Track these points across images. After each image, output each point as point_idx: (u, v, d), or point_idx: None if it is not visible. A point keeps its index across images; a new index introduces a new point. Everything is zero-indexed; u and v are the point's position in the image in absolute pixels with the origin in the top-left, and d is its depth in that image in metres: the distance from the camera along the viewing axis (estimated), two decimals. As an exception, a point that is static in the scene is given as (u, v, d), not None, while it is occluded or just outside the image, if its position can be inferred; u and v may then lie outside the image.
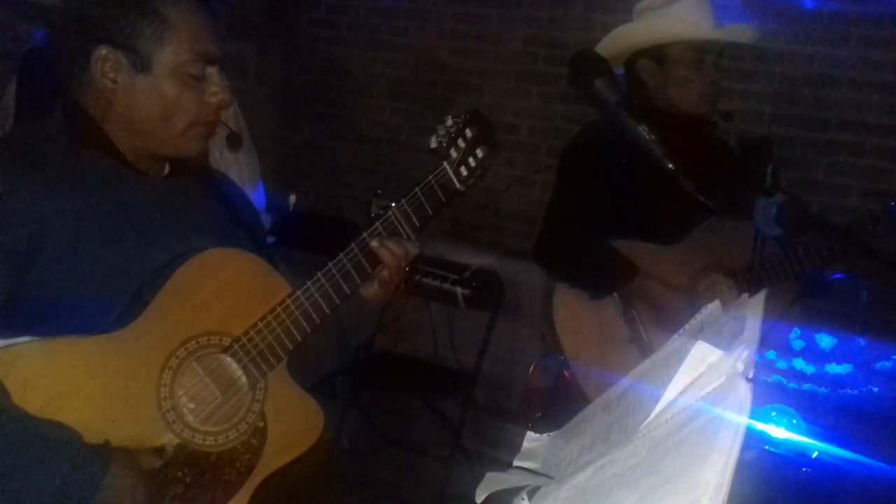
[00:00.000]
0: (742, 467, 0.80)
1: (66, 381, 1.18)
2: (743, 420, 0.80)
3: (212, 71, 1.35)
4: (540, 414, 2.63)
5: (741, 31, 2.21)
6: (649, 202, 2.12)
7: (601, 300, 2.13)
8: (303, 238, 3.54)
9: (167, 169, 1.42)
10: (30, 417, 1.14)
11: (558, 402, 2.32)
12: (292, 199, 4.33)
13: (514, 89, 3.91)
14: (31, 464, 1.11)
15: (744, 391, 0.84)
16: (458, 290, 3.48)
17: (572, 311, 2.14)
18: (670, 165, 1.41)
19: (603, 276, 2.12)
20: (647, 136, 1.43)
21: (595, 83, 1.48)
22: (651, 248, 2.16)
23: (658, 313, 2.09)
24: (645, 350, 2.06)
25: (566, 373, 2.17)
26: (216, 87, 1.35)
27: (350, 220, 3.95)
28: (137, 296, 1.25)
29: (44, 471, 1.12)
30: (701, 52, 2.17)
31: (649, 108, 2.14)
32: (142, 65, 1.29)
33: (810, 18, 3.27)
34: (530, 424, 2.20)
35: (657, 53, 2.19)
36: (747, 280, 2.13)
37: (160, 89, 1.30)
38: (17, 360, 1.16)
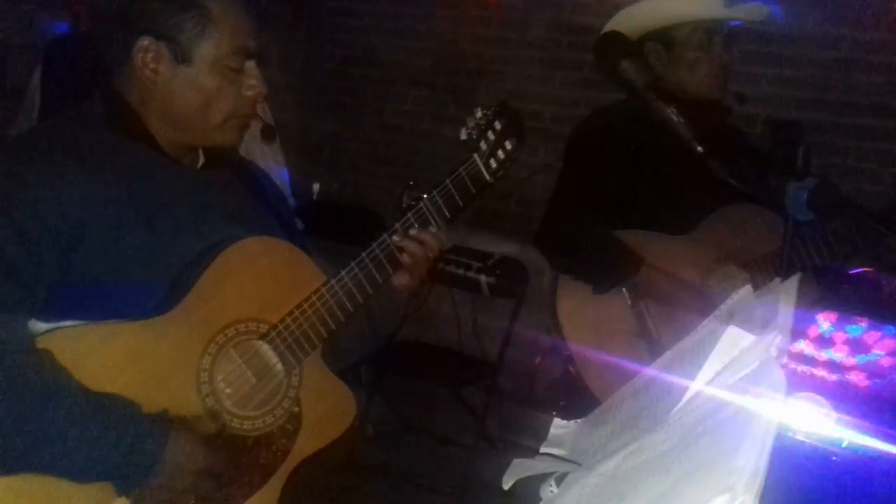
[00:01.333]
0: (772, 455, 0.79)
1: (110, 364, 1.20)
2: (778, 405, 0.78)
3: (250, 65, 1.37)
4: (564, 403, 2.61)
5: (752, 11, 2.11)
6: (662, 189, 2.07)
7: (607, 293, 2.06)
8: (326, 226, 3.55)
9: (202, 159, 1.44)
10: (91, 392, 1.17)
11: (568, 395, 2.28)
12: (316, 187, 4.34)
13: (538, 76, 3.88)
14: (97, 436, 1.15)
15: (778, 376, 0.82)
16: (483, 277, 3.47)
17: (577, 302, 2.08)
18: (700, 149, 1.38)
19: (606, 268, 2.05)
20: (677, 119, 1.40)
21: (622, 65, 1.46)
22: (660, 239, 2.09)
23: (667, 307, 2.03)
24: (654, 345, 1.99)
25: (571, 367, 2.11)
26: (254, 80, 1.37)
27: (372, 209, 3.95)
28: (177, 283, 1.27)
29: (109, 442, 1.15)
30: (710, 34, 2.09)
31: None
32: (183, 56, 1.31)
33: (839, 0, 3.20)
34: (554, 413, 2.17)
35: (664, 36, 2.12)
36: (761, 271, 2.07)
37: (200, 81, 1.32)
38: (62, 344, 1.19)
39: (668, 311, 2.02)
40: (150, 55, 1.30)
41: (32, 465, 1.13)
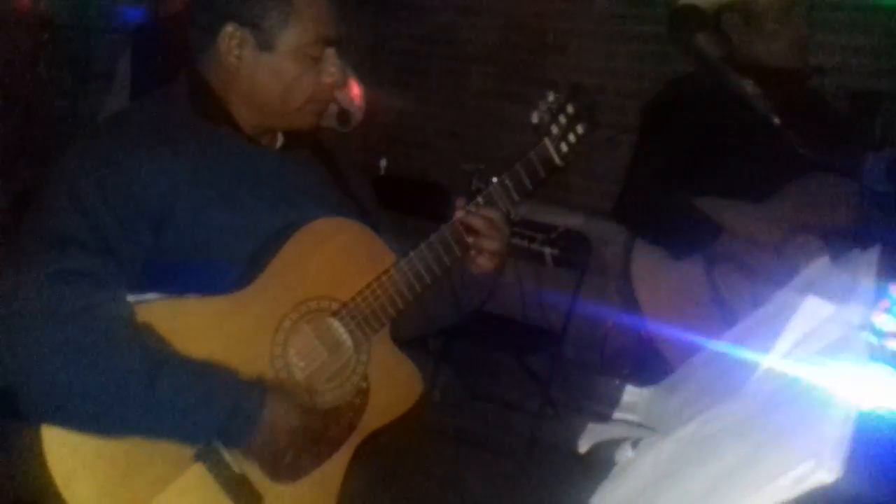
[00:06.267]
0: (856, 424, 0.77)
1: (189, 337, 1.23)
2: (862, 374, 0.77)
3: (330, 52, 1.36)
4: (627, 371, 2.59)
5: None
6: (739, 159, 2.03)
7: (682, 259, 2.04)
8: (393, 201, 3.58)
9: (280, 140, 1.45)
10: (190, 361, 1.21)
11: (640, 361, 2.27)
12: (383, 163, 4.37)
13: (602, 49, 3.80)
14: (203, 400, 1.19)
15: (862, 345, 0.81)
16: (546, 250, 3.46)
17: (651, 269, 2.07)
18: (776, 120, 1.34)
19: (685, 235, 2.04)
20: (753, 91, 1.37)
21: (697, 37, 1.42)
22: (739, 206, 2.05)
23: (743, 273, 2.00)
24: (726, 312, 1.96)
25: (643, 333, 2.10)
26: (333, 67, 1.36)
27: (439, 184, 3.95)
28: (255, 260, 1.29)
29: (214, 405, 1.20)
30: (790, 4, 2.02)
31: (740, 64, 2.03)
32: (266, 43, 1.31)
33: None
34: (617, 381, 2.16)
35: (743, 7, 2.03)
36: (840, 241, 2.02)
37: (281, 68, 1.32)
38: (145, 316, 1.22)
39: (744, 277, 1.99)
40: (234, 41, 1.31)
41: (144, 431, 1.18)
